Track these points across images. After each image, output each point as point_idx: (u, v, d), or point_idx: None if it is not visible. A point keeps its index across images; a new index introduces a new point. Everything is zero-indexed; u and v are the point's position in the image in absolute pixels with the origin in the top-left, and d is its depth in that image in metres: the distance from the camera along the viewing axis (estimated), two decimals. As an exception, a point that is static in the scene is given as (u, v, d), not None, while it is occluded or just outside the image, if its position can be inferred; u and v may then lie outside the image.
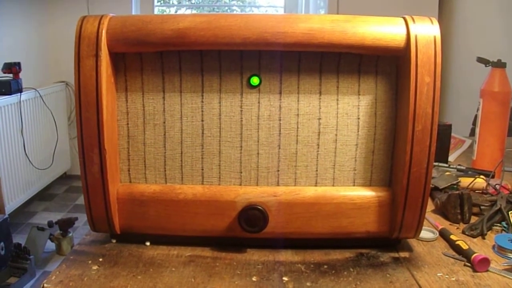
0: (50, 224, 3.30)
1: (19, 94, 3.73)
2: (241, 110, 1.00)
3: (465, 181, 1.39)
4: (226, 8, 5.57)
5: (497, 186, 1.34)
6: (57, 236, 3.28)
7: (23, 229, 3.65)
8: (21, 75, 3.79)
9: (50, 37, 4.55)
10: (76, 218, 3.36)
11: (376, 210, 1.01)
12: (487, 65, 1.53)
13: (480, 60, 1.55)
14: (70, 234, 3.31)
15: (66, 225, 3.29)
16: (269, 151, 1.02)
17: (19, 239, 3.27)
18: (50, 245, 3.31)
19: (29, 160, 3.89)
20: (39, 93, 4.05)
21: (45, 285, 0.91)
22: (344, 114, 1.01)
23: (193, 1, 5.36)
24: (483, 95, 1.52)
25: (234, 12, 5.41)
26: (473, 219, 1.21)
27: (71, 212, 4.00)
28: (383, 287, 0.92)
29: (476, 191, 1.35)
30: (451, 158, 1.75)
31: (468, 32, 3.83)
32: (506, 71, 1.49)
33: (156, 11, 4.94)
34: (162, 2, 5.25)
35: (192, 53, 0.99)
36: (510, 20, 3.24)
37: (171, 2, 5.43)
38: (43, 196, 4.33)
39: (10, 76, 3.74)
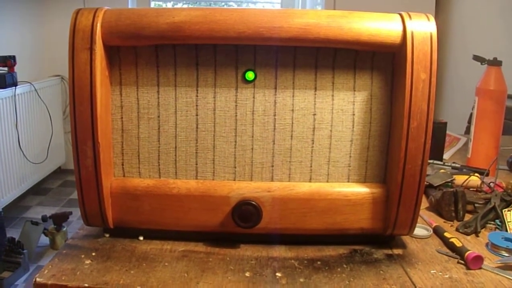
0: (44, 219, 3.29)
1: (14, 87, 3.71)
2: (236, 105, 1.00)
3: (459, 179, 1.39)
4: (223, 3, 5.55)
5: (492, 184, 1.34)
6: (51, 231, 3.27)
7: (17, 224, 3.64)
8: (16, 68, 3.77)
9: (45, 31, 4.53)
10: (70, 213, 3.35)
11: (370, 206, 1.01)
12: (483, 63, 1.53)
13: (476, 58, 1.55)
14: (64, 229, 3.31)
15: (60, 219, 3.29)
16: (263, 146, 1.01)
17: (13, 233, 3.26)
18: (44, 240, 3.30)
19: (24, 154, 3.87)
20: (34, 87, 4.03)
21: (37, 279, 0.90)
22: (339, 110, 1.00)
23: (190, -3, 5.33)
24: (479, 93, 1.52)
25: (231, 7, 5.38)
26: (467, 217, 1.21)
27: (65, 206, 3.99)
28: (377, 284, 0.91)
29: (471, 189, 1.35)
30: (446, 155, 1.75)
31: (464, 30, 3.83)
32: (501, 70, 1.49)
33: (153, 5, 4.92)
34: (158, -3, 5.23)
35: (187, 47, 0.99)
36: (507, 18, 3.24)
37: (167, -3, 5.40)
38: (37, 190, 4.31)
39: (5, 69, 3.72)
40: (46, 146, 4.28)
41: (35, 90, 4.06)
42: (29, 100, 3.98)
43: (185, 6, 5.33)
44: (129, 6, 4.49)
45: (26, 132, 3.94)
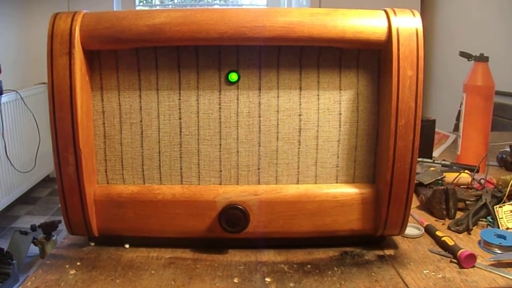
0: (33, 228, 3.25)
1: (-1, 96, 3.69)
2: (220, 107, 0.98)
3: (449, 176, 1.38)
4: (207, 6, 5.54)
5: (482, 181, 1.33)
6: (40, 240, 3.24)
7: (5, 234, 3.60)
8: (1, 76, 3.73)
9: (30, 38, 4.50)
10: (60, 221, 3.31)
11: (360, 207, 0.99)
12: (470, 59, 1.52)
13: (463, 54, 1.55)
14: (54, 238, 3.27)
15: (49, 228, 3.25)
16: (249, 149, 0.99)
17: (2, 243, 3.22)
18: (34, 249, 3.27)
19: (11, 163, 3.83)
20: (20, 95, 3.99)
21: (20, 291, 0.88)
22: (326, 109, 0.99)
23: (175, 1, 5.32)
24: (466, 89, 1.51)
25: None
26: (459, 215, 1.19)
27: (55, 215, 3.95)
28: (369, 286, 0.90)
29: (461, 186, 1.35)
30: (435, 153, 1.75)
31: (450, 27, 3.84)
32: (488, 65, 1.48)
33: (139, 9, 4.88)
34: (144, 2, 5.22)
35: (169, 49, 0.97)
36: (493, 14, 3.25)
37: (153, 2, 5.39)
38: (26, 199, 4.27)
39: (-11, 78, 3.69)
40: (33, 154, 4.24)
41: (21, 98, 4.02)
42: (15, 109, 3.95)
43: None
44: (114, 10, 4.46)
45: (13, 141, 3.90)
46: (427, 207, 1.24)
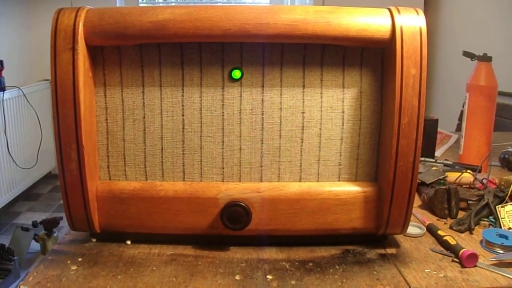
0: (35, 224, 3.25)
1: (2, 92, 3.68)
2: (223, 104, 0.98)
3: (452, 176, 1.38)
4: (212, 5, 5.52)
5: (484, 181, 1.33)
6: (41, 236, 3.24)
7: (7, 230, 3.60)
8: (3, 73, 3.73)
9: (34, 35, 4.49)
10: (61, 218, 3.31)
11: (362, 205, 0.99)
12: (473, 59, 1.52)
13: (466, 54, 1.54)
14: (55, 234, 3.27)
15: (51, 225, 3.25)
16: (251, 146, 0.99)
17: (3, 239, 3.23)
18: (35, 246, 3.27)
19: (13, 160, 3.83)
20: (22, 92, 3.99)
21: (21, 286, 0.88)
22: (329, 107, 0.98)
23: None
24: (469, 89, 1.51)
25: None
26: (461, 214, 1.19)
27: (56, 211, 3.96)
28: (370, 284, 0.90)
29: (463, 186, 1.34)
30: (437, 153, 1.75)
31: (453, 26, 3.83)
32: (492, 65, 1.48)
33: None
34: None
35: (172, 45, 0.97)
36: (496, 13, 3.24)
37: (156, 0, 5.39)
38: (28, 196, 4.27)
39: (-8, 74, 3.69)
40: (35, 151, 4.24)
41: (24, 94, 4.02)
42: (17, 105, 3.95)
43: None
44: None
45: (15, 137, 3.90)
46: (429, 206, 1.23)
